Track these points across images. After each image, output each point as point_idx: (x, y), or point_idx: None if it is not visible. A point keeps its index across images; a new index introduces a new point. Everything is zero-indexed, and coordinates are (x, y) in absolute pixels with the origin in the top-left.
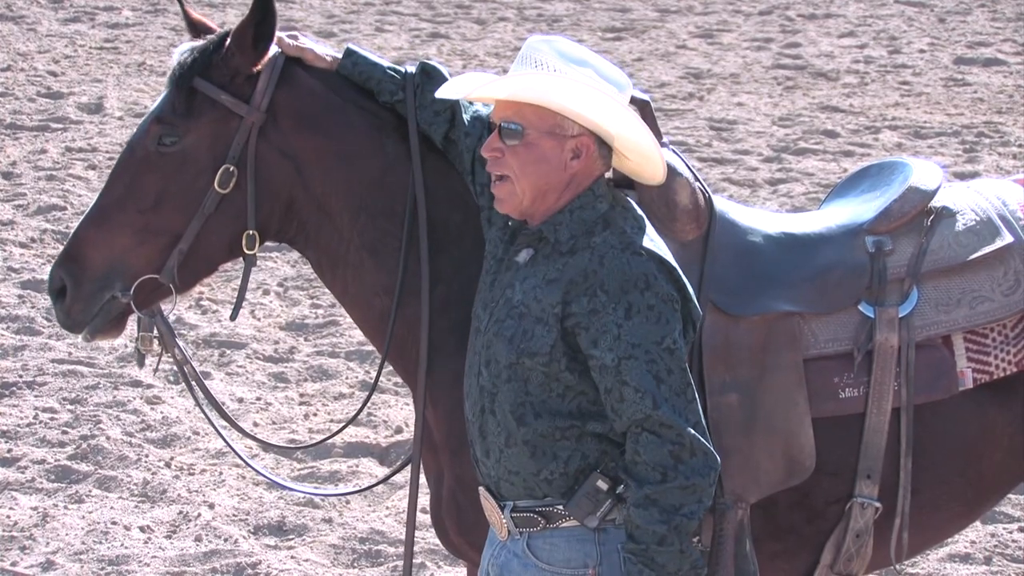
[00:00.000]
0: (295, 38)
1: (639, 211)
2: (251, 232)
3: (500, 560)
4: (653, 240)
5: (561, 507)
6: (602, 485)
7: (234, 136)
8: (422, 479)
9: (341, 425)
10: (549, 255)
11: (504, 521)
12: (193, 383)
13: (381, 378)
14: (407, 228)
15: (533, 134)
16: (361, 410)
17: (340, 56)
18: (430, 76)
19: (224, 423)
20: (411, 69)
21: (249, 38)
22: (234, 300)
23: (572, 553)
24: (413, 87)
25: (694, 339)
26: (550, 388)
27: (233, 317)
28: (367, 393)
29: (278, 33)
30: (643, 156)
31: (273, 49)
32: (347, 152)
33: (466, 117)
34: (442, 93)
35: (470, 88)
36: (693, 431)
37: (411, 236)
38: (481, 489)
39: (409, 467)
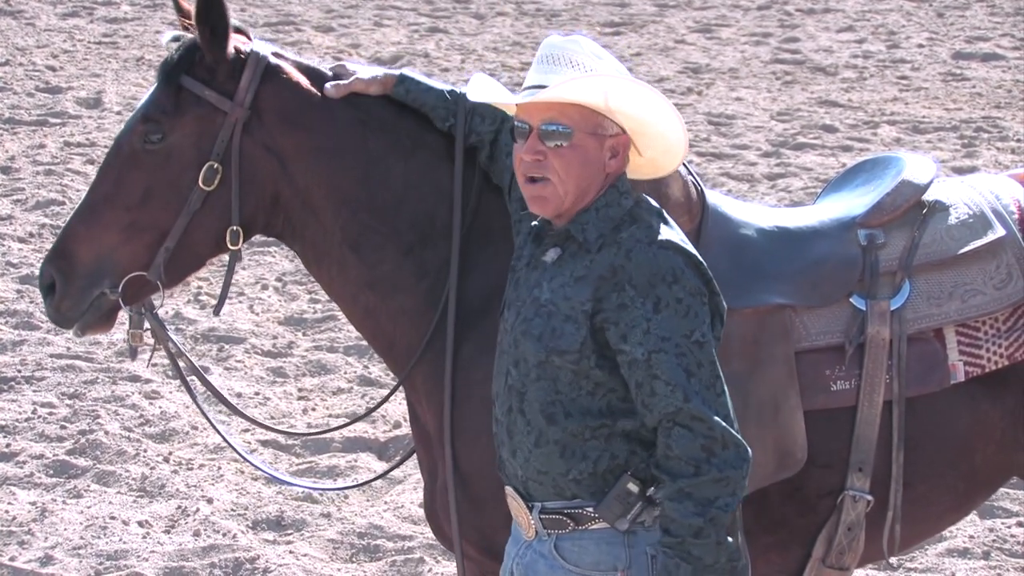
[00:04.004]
0: (343, 68)
1: (657, 205)
2: (235, 228)
3: (525, 560)
4: (679, 233)
5: (591, 509)
6: (633, 487)
7: (218, 132)
8: (412, 474)
9: (356, 417)
10: (576, 253)
11: (532, 522)
12: (191, 377)
13: (381, 374)
14: (393, 224)
15: (579, 135)
16: (382, 403)
17: (392, 75)
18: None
19: (221, 418)
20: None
21: (205, 33)
22: (232, 295)
23: (601, 556)
24: (464, 113)
25: (722, 332)
26: (580, 386)
27: (217, 311)
28: (367, 388)
29: (329, 84)
30: (670, 151)
31: (254, 45)
32: (329, 147)
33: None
34: (493, 99)
35: (519, 95)
36: (724, 424)
37: (393, 231)
38: (508, 489)
39: (407, 462)
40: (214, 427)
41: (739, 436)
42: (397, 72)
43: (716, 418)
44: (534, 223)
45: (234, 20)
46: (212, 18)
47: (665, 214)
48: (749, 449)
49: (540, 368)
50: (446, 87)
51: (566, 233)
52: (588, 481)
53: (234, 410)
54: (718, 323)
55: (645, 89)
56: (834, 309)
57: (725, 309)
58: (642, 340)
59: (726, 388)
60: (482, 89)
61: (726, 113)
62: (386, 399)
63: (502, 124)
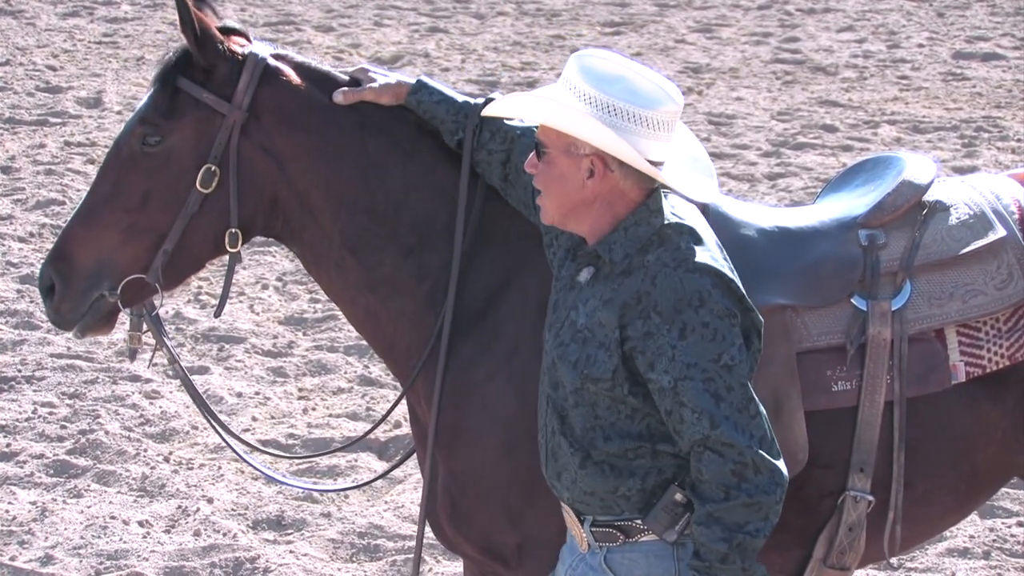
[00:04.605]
0: (363, 73)
1: (699, 222)
2: (234, 230)
3: (577, 572)
4: (711, 251)
5: (640, 521)
6: (680, 498)
7: (216, 135)
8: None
9: (361, 435)
10: (608, 275)
11: (584, 535)
12: (191, 379)
13: (381, 373)
14: (393, 226)
15: (553, 152)
16: (380, 421)
17: (406, 84)
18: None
19: (223, 418)
20: (479, 101)
21: (189, 37)
22: (232, 295)
23: (651, 569)
24: (473, 129)
25: (759, 349)
26: (618, 411)
27: (217, 314)
28: (367, 388)
29: (337, 92)
30: (658, 176)
31: (253, 47)
32: (328, 150)
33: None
34: (486, 112)
35: (499, 108)
36: (758, 448)
37: (393, 233)
38: (563, 503)
39: (407, 461)
40: (215, 428)
41: (774, 461)
42: (412, 81)
43: (748, 442)
44: (572, 240)
45: (230, 22)
46: (189, 22)
47: (700, 232)
48: (785, 474)
49: (576, 394)
50: (460, 97)
51: (595, 253)
52: (637, 497)
53: (218, 423)
54: (755, 339)
55: (574, 112)
56: (835, 309)
57: (762, 323)
58: (668, 368)
59: (762, 409)
60: (500, 106)
61: (726, 113)
62: (384, 417)
63: (512, 144)
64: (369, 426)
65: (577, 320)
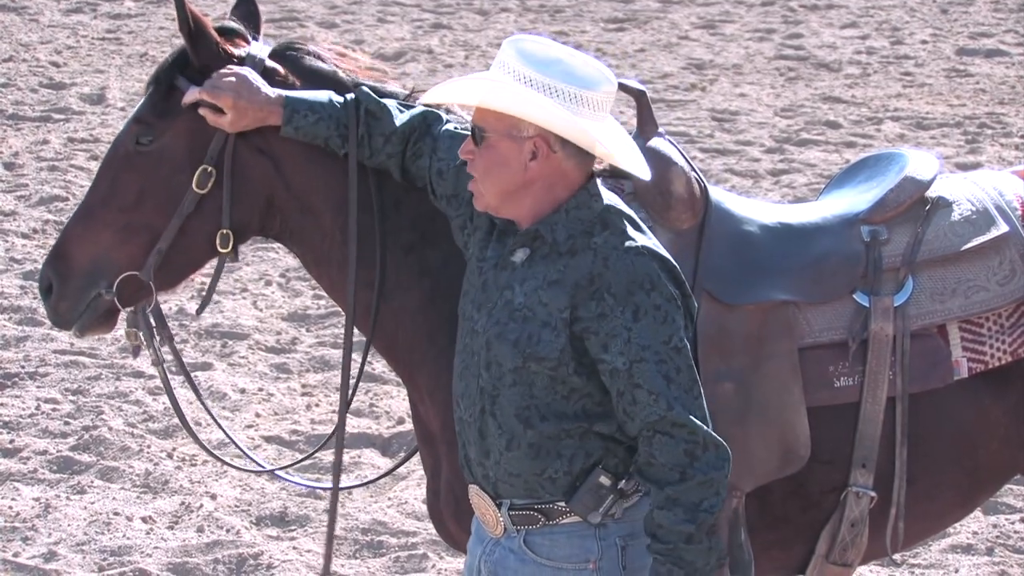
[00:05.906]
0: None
1: (628, 209)
2: (225, 231)
3: (494, 557)
4: (650, 238)
5: (563, 504)
6: (605, 481)
7: (212, 135)
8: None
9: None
10: (547, 255)
11: (501, 519)
12: (194, 374)
13: (383, 370)
14: (393, 223)
15: (494, 137)
16: (331, 436)
17: (275, 105)
18: (375, 116)
19: (225, 414)
20: (351, 97)
21: (185, 36)
22: (236, 291)
23: (573, 549)
24: (355, 138)
25: (692, 333)
26: (555, 390)
27: (199, 312)
28: (370, 384)
29: (192, 92)
30: (607, 154)
31: (251, 48)
32: (325, 150)
33: (429, 140)
34: (423, 100)
35: (435, 95)
36: (704, 427)
37: (393, 230)
38: (473, 487)
39: (413, 458)
40: (219, 425)
41: (718, 437)
42: (280, 103)
43: (697, 422)
44: (496, 221)
45: (230, 23)
46: (185, 21)
47: (636, 217)
48: (729, 448)
49: (516, 373)
50: (325, 97)
51: (535, 233)
52: (563, 480)
53: (198, 442)
54: (690, 323)
55: (532, 93)
56: (837, 305)
57: (696, 309)
58: (623, 350)
59: (703, 391)
60: (441, 93)
61: (730, 109)
62: (324, 443)
63: (410, 134)
64: (372, 421)
65: (514, 299)
